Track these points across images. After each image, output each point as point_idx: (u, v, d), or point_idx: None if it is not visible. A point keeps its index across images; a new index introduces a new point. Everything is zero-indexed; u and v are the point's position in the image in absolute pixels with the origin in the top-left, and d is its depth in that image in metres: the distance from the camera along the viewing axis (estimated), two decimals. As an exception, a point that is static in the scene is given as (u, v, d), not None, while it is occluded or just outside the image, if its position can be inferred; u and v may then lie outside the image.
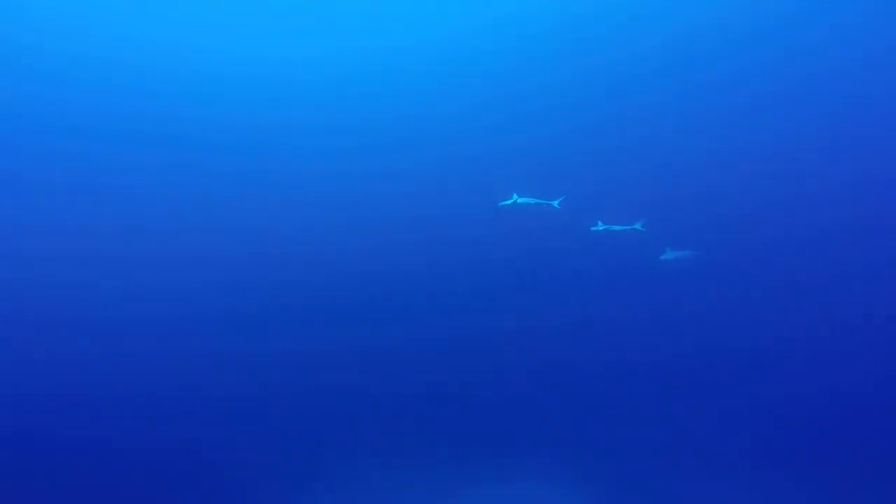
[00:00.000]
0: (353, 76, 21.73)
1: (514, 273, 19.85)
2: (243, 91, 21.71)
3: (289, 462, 16.41)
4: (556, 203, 16.21)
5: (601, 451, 16.52)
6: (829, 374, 17.42)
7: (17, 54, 20.36)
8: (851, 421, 16.23)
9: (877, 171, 19.18)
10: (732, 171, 20.38)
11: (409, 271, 20.07)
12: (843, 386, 16.99)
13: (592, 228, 16.62)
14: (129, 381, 17.56)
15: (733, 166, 20.41)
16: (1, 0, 20.45)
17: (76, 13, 20.61)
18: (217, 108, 21.30)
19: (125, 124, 20.63)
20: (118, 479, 15.59)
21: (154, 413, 16.99)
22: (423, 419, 17.44)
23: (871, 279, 18.46)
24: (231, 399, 17.44)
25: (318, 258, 20.19)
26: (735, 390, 17.69)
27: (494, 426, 17.38)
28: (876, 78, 19.67)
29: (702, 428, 17.00)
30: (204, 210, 20.62)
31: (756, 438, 16.67)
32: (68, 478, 15.34)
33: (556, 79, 21.66)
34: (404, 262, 20.11)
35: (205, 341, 18.56)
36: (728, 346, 18.63)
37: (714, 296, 18.93)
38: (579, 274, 19.38)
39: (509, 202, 16.46)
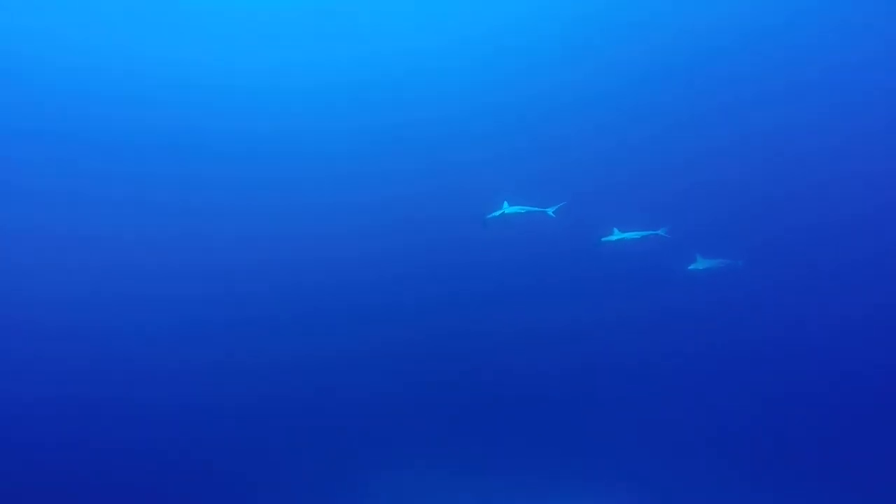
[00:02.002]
0: (352, 83, 22.00)
1: (525, 280, 19.37)
2: (241, 99, 21.90)
3: (303, 470, 15.78)
4: (550, 210, 14.22)
5: (618, 460, 15.56)
6: (838, 376, 16.80)
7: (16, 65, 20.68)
8: (856, 425, 15.55)
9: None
10: (746, 168, 20.13)
11: (424, 276, 19.71)
12: (851, 389, 16.35)
13: (604, 238, 13.79)
14: (139, 389, 17.28)
15: (748, 164, 20.17)
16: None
17: (80, 24, 20.79)
18: (215, 115, 21.62)
19: (130, 133, 20.99)
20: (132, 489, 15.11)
21: (181, 424, 16.62)
22: (430, 426, 16.80)
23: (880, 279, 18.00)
24: (247, 406, 17.07)
25: (327, 264, 19.98)
26: (754, 395, 16.90)
27: (508, 435, 16.62)
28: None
29: (718, 433, 16.23)
30: (213, 218, 20.63)
31: (781, 445, 15.84)
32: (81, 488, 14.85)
33: (558, 81, 21.52)
34: (419, 267, 19.80)
35: (216, 349, 18.31)
36: (742, 349, 17.94)
37: (722, 298, 18.09)
38: (597, 282, 18.62)
39: (497, 213, 14.32)
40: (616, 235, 14.05)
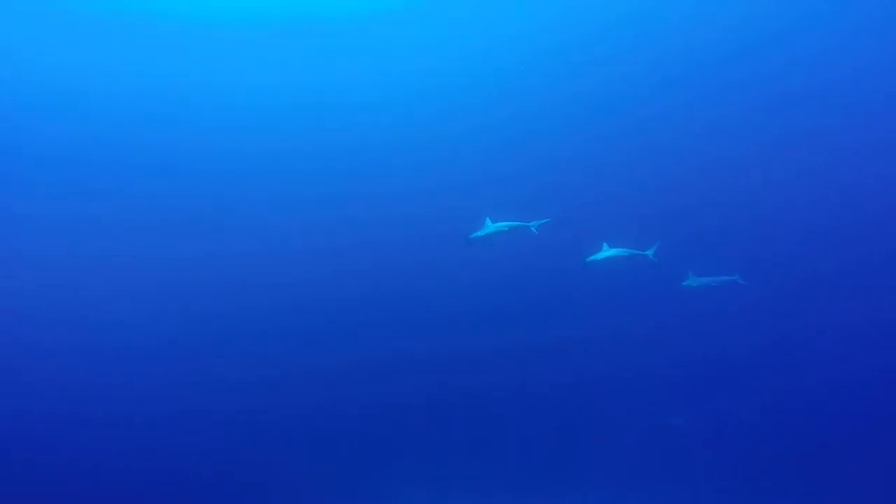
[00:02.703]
0: (345, 105, 22.24)
1: (521, 295, 19.51)
2: (239, 118, 22.09)
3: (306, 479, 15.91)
4: (533, 226, 13.52)
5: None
6: (835, 384, 16.92)
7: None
8: (855, 432, 15.68)
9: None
10: (738, 181, 20.35)
11: (420, 293, 19.92)
12: (849, 396, 16.50)
13: (589, 258, 13.51)
14: (148, 404, 17.48)
15: (740, 176, 20.38)
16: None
17: (80, 45, 20.78)
18: (206, 136, 21.84)
19: (140, 155, 21.27)
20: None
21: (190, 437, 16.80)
22: (429, 436, 16.95)
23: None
24: (252, 417, 17.34)
25: (325, 281, 20.22)
26: (752, 404, 17.01)
27: (508, 448, 16.75)
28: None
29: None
30: (220, 235, 20.93)
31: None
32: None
33: (546, 98, 21.73)
34: (415, 284, 20.01)
35: (221, 363, 18.49)
36: (737, 359, 18.11)
37: (716, 309, 18.05)
38: (590, 296, 18.46)
39: (481, 233, 13.56)
40: (602, 253, 13.48)
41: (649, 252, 13.75)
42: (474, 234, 13.60)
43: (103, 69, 21.06)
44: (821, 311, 18.21)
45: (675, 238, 15.60)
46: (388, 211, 20.85)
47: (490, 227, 13.56)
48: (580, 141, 21.28)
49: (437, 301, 19.45)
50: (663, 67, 21.06)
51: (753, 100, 20.66)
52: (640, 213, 18.69)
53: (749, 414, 16.73)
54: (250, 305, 19.84)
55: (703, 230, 19.32)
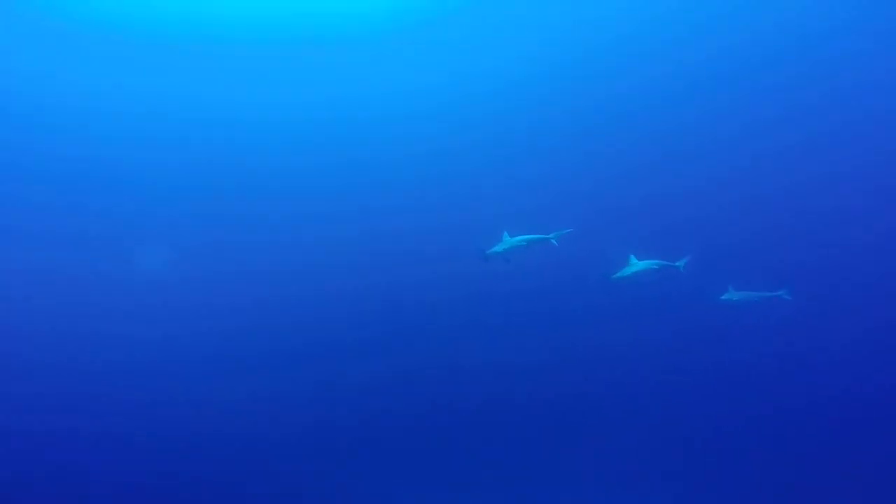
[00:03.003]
0: (354, 119, 22.03)
1: (541, 306, 19.03)
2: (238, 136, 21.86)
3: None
4: (553, 237, 12.94)
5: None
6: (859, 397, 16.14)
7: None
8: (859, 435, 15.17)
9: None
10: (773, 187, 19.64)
11: (445, 302, 19.45)
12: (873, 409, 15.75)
13: (616, 275, 12.87)
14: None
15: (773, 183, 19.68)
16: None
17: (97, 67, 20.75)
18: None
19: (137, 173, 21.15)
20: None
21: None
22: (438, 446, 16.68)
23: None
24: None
25: (335, 295, 19.91)
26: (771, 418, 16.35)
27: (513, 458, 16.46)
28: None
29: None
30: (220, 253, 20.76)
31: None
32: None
33: (570, 104, 21.34)
34: (437, 292, 19.51)
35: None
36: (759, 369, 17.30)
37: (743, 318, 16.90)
38: (613, 307, 17.72)
39: (500, 249, 13.01)
40: (629, 269, 12.70)
41: (680, 264, 12.98)
42: (492, 250, 13.02)
43: (121, 87, 21.02)
44: (863, 327, 17.21)
45: (705, 248, 15.01)
46: (403, 223, 20.49)
47: (508, 241, 12.99)
48: (605, 147, 20.78)
49: (451, 314, 19.10)
50: (693, 71, 20.63)
51: (787, 102, 20.10)
52: (667, 222, 18.22)
53: (753, 417, 16.23)
54: (259, 320, 19.56)
55: (736, 239, 18.70)
